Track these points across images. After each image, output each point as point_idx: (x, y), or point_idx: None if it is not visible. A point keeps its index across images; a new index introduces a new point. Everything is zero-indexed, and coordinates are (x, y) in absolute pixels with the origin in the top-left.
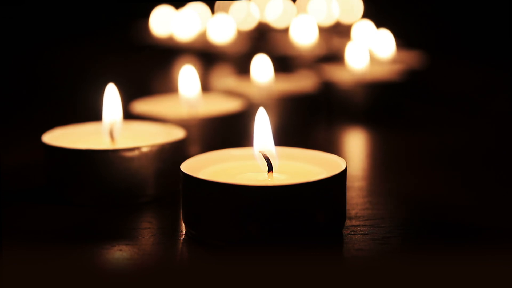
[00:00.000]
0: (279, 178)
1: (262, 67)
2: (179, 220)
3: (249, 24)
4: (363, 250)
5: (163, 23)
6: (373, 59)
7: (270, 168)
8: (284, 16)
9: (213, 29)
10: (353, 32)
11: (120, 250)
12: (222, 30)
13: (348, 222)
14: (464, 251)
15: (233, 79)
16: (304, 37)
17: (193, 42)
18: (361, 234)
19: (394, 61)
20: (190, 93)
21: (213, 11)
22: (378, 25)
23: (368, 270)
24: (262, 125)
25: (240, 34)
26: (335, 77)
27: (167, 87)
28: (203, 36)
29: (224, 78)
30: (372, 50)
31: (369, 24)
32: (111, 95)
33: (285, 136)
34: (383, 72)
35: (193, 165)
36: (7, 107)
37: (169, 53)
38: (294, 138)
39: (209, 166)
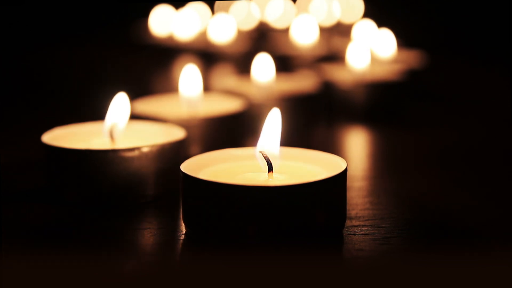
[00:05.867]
0: (279, 178)
1: (262, 67)
2: (179, 220)
3: (249, 24)
4: (364, 250)
5: (163, 23)
6: (374, 59)
7: (270, 168)
8: (284, 16)
9: (213, 29)
10: (354, 31)
11: (120, 250)
12: (222, 30)
13: (348, 222)
14: (464, 251)
15: (233, 79)
16: (304, 37)
17: (193, 42)
18: (362, 234)
19: (394, 60)
20: (190, 93)
21: (213, 11)
22: (379, 24)
23: (369, 270)
24: (272, 126)
25: (240, 34)
26: (336, 77)
27: (167, 87)
28: (203, 36)
29: (224, 78)
30: (373, 50)
31: (370, 23)
32: (120, 104)
33: (285, 136)
34: (383, 72)
35: (193, 165)
36: (7, 107)
37: (169, 53)
38: (294, 138)
39: (209, 166)
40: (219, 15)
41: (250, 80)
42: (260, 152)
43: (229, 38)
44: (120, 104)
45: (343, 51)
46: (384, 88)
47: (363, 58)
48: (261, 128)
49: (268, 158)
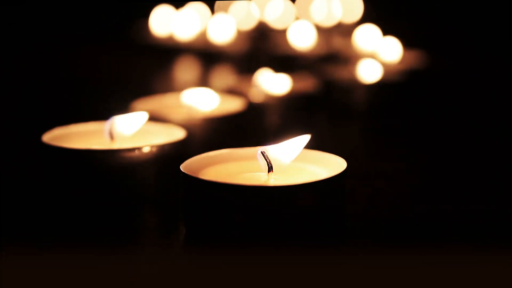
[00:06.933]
0: (279, 178)
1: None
2: (179, 220)
3: (249, 24)
4: (363, 250)
5: (163, 23)
6: (378, 63)
7: (270, 168)
8: (284, 16)
9: (213, 29)
10: (357, 36)
11: (120, 250)
12: (222, 30)
13: (348, 223)
14: (464, 251)
15: (233, 79)
16: (304, 38)
17: (193, 41)
18: (361, 234)
19: (395, 61)
20: (190, 93)
21: (213, 11)
22: (378, 25)
23: (368, 270)
24: (296, 145)
25: (240, 34)
26: (336, 77)
27: (167, 87)
28: (203, 35)
29: (224, 78)
30: (377, 54)
31: (373, 28)
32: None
33: (285, 136)
34: (384, 72)
35: (193, 165)
36: (7, 107)
37: (169, 53)
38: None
39: (209, 166)
40: (219, 15)
41: (249, 80)
42: (261, 152)
43: (229, 38)
44: (134, 119)
45: (343, 51)
46: (384, 88)
47: (371, 68)
48: (282, 139)
49: (268, 159)
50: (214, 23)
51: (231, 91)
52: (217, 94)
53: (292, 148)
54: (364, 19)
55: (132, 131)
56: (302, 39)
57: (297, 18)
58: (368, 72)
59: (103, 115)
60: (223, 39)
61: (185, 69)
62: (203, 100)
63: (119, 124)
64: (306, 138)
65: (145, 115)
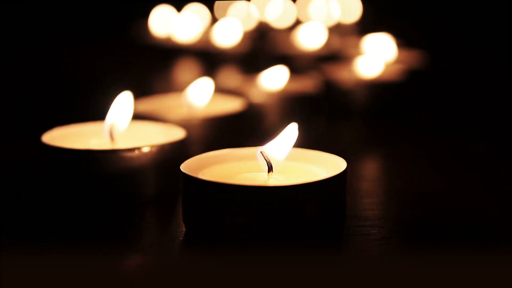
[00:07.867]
0: (279, 178)
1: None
2: (179, 220)
3: (249, 25)
4: (363, 250)
5: (162, 23)
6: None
7: (270, 169)
8: (284, 16)
9: (216, 30)
10: (365, 43)
11: (120, 250)
12: (225, 31)
13: (348, 223)
14: (464, 251)
15: (234, 79)
16: (311, 39)
17: (194, 42)
18: (361, 234)
19: (395, 61)
20: (190, 93)
21: (212, 12)
22: (376, 24)
23: (368, 270)
24: (287, 137)
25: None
26: (336, 76)
27: (167, 87)
28: (203, 36)
29: (225, 78)
30: (377, 54)
31: (374, 28)
32: (123, 103)
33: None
34: (384, 72)
35: (193, 165)
36: (7, 107)
37: (169, 53)
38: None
39: (209, 166)
40: (225, 19)
41: (250, 80)
42: (261, 152)
43: (230, 39)
44: (123, 103)
45: (343, 51)
46: (384, 88)
47: (374, 67)
48: (274, 135)
49: (268, 159)
50: (219, 26)
51: (231, 91)
52: (215, 89)
53: (283, 143)
54: (363, 19)
55: (128, 118)
56: (311, 39)
57: (297, 19)
58: (368, 72)
59: (103, 115)
60: (225, 40)
61: (185, 70)
62: (203, 98)
63: (115, 121)
64: (293, 128)
65: (129, 95)
